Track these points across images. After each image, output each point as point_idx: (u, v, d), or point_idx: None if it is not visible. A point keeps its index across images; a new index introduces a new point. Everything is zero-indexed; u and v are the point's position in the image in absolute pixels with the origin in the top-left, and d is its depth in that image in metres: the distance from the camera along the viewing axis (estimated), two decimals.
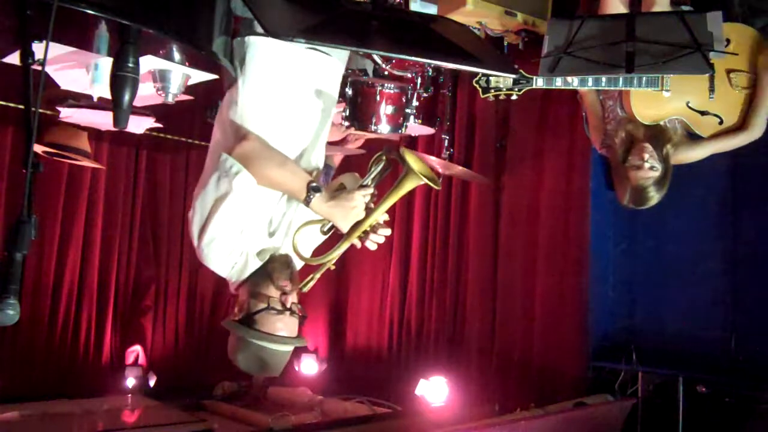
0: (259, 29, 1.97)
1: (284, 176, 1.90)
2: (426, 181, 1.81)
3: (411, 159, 1.83)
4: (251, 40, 2.05)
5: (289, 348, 1.98)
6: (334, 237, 2.00)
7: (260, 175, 1.88)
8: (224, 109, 2.07)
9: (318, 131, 2.18)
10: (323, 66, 2.17)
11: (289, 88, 2.08)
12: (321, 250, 2.06)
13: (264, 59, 2.05)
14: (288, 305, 1.96)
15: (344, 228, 1.92)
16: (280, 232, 2.08)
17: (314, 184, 1.87)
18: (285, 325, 1.94)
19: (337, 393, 4.85)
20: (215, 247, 1.93)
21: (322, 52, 2.15)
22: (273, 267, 2.00)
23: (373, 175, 1.97)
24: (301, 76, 2.11)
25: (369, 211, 1.91)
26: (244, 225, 1.94)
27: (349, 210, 1.88)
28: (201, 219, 1.92)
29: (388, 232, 1.96)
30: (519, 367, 4.11)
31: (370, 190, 1.93)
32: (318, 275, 2.00)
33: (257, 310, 1.93)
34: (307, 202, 1.88)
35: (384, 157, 1.96)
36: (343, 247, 1.94)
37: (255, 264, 2.01)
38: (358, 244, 1.96)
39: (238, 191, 1.87)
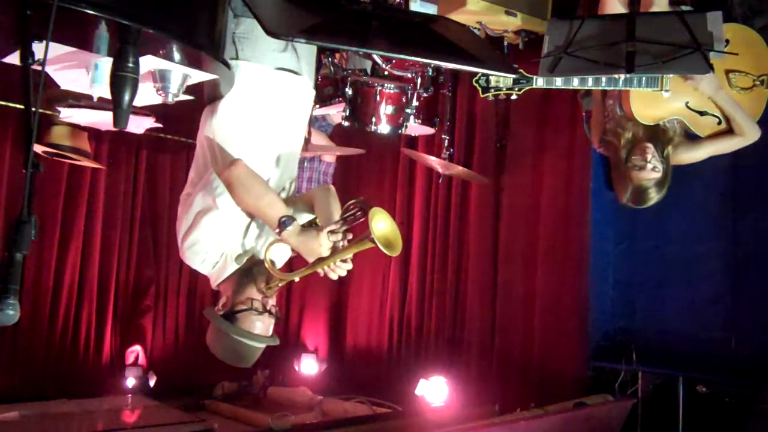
0: (239, 54, 2.22)
1: (260, 207, 2.10)
2: (382, 248, 1.91)
3: (377, 221, 1.94)
4: (234, 63, 2.21)
5: (263, 345, 2.19)
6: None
7: (240, 202, 2.10)
8: (206, 123, 2.25)
9: (294, 145, 2.40)
10: (296, 86, 2.37)
11: (268, 109, 2.27)
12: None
13: (246, 81, 2.22)
14: (268, 307, 2.19)
15: (309, 259, 2.10)
16: (258, 240, 2.26)
17: (285, 219, 2.04)
18: (263, 325, 2.17)
19: (337, 393, 4.84)
20: (196, 250, 2.17)
21: (294, 72, 2.34)
22: (258, 270, 2.19)
23: (344, 219, 2.12)
24: (279, 97, 2.30)
25: (334, 250, 2.06)
26: (223, 235, 2.17)
27: (315, 247, 2.05)
28: (185, 226, 2.18)
29: (349, 267, 2.11)
30: (519, 367, 4.11)
31: (338, 237, 2.07)
32: (281, 284, 2.20)
33: (240, 309, 2.15)
34: (278, 233, 2.06)
35: (357, 206, 2.13)
36: (306, 273, 2.12)
37: (233, 266, 2.21)
38: (321, 273, 2.12)
39: (221, 208, 2.11)
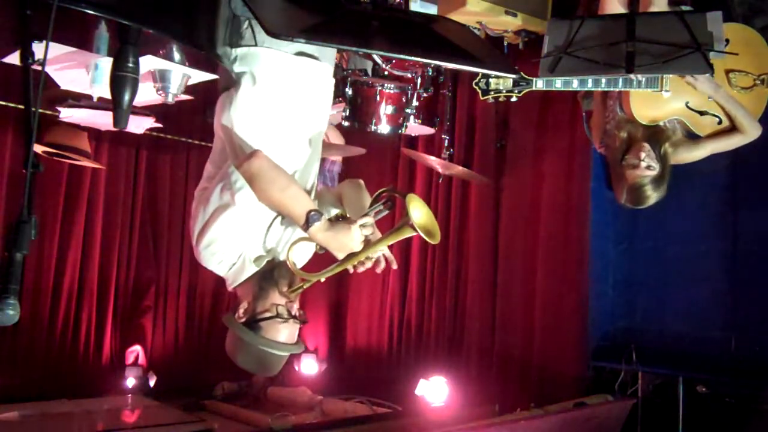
0: (257, 38, 2.06)
1: (285, 201, 1.93)
2: (423, 236, 1.82)
3: (414, 208, 1.83)
4: (252, 51, 2.10)
5: (289, 354, 2.05)
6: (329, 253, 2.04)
7: (262, 196, 1.93)
8: (222, 113, 2.11)
9: (316, 136, 2.25)
10: (317, 73, 2.24)
11: (289, 98, 2.14)
12: (322, 259, 2.10)
13: (265, 70, 2.10)
14: (293, 312, 2.02)
15: (339, 256, 1.95)
16: (280, 242, 2.11)
17: (314, 213, 1.90)
18: (289, 333, 2.01)
19: (337, 393, 4.84)
20: (212, 251, 1.99)
21: (313, 57, 2.20)
22: (279, 273, 2.04)
23: (375, 210, 1.99)
24: (300, 85, 2.16)
25: (366, 243, 1.93)
26: (242, 233, 2.00)
27: (347, 242, 1.91)
28: (201, 223, 1.99)
29: (381, 265, 2.00)
30: (519, 367, 4.11)
31: (369, 231, 1.95)
32: (306, 286, 2.04)
33: (264, 317, 1.99)
34: (305, 229, 1.91)
35: (388, 195, 2.00)
36: (336, 271, 1.98)
37: (252, 269, 2.05)
38: (351, 270, 2.00)
39: (239, 205, 1.94)
